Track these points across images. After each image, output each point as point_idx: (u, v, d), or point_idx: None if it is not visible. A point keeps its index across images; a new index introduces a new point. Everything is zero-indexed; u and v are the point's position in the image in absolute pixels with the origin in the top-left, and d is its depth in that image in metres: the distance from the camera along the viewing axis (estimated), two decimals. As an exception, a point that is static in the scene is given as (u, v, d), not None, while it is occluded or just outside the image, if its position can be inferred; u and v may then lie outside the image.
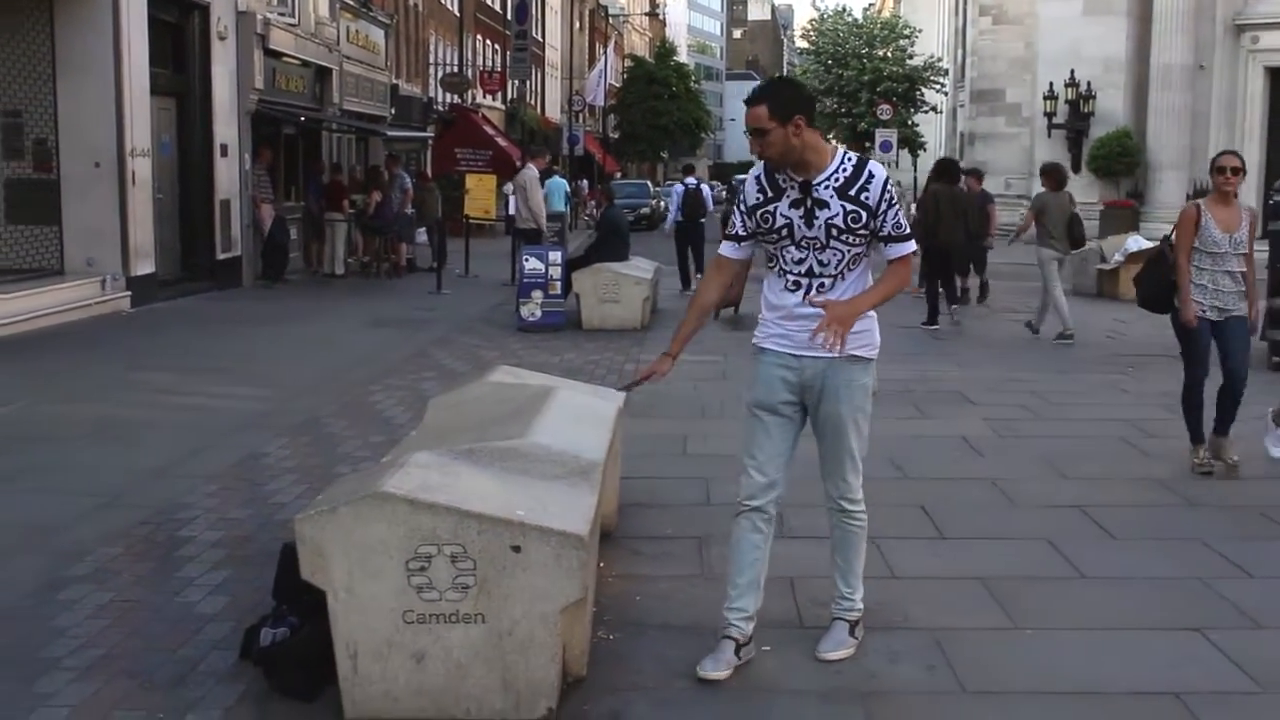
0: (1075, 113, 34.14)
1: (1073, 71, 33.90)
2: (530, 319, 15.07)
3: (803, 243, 4.53)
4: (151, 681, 4.54)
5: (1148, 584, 5.66)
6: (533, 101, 52.88)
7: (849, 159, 4.54)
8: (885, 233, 4.53)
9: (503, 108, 44.91)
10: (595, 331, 14.76)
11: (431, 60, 36.73)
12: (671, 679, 4.56)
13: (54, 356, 12.25)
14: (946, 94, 50.08)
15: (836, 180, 4.49)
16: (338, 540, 4.10)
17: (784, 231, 4.54)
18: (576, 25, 63.83)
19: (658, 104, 67.24)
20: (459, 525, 4.08)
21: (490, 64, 44.61)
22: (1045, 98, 34.63)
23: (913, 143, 50.31)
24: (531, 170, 18.89)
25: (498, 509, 4.14)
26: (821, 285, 4.53)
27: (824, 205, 4.48)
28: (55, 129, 15.54)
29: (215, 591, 5.49)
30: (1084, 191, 34.59)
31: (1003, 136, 38.38)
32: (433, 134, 33.43)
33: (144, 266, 16.27)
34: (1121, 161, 32.87)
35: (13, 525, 6.51)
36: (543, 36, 55.13)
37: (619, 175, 60.66)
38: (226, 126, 18.94)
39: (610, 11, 75.37)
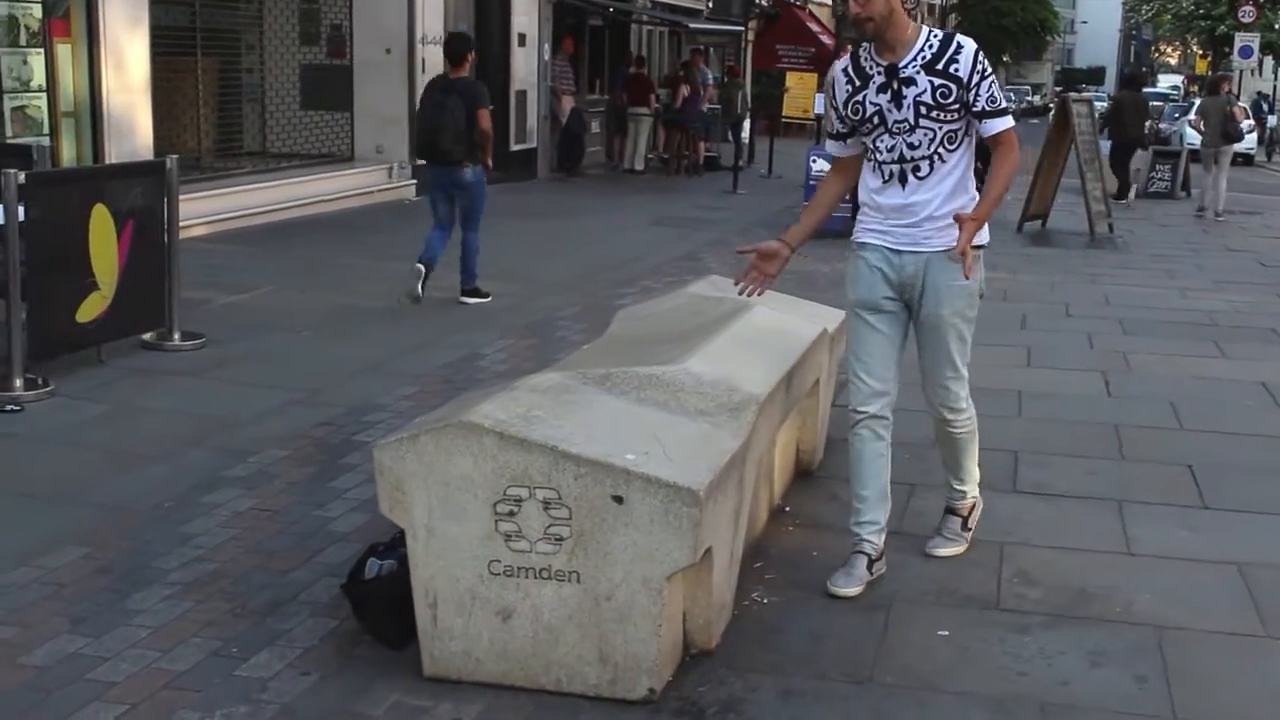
0: None
1: None
2: (814, 224, 14.20)
3: (894, 128, 4.25)
4: (245, 607, 4.13)
5: None
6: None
7: (935, 35, 4.26)
8: (979, 107, 4.21)
9: (830, 4, 43.44)
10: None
11: (756, -48, 35.64)
12: (815, 663, 3.83)
13: (324, 242, 12.26)
14: (1323, -5, 45.46)
15: (923, 57, 4.21)
16: (418, 473, 3.55)
17: (875, 119, 4.27)
18: (918, -81, 61.13)
19: (1001, 4, 63.92)
20: (554, 467, 3.45)
21: (820, -42, 43.11)
22: None
23: (1278, 49, 46.01)
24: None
25: (604, 450, 3.49)
26: (916, 169, 4.25)
27: (911, 83, 4.20)
28: (350, 15, 15.58)
29: (360, 508, 5.06)
30: None
31: (1383, 42, 34.53)
32: (751, 29, 32.53)
33: (432, 155, 16.20)
34: None
35: (199, 417, 6.31)
36: (880, -70, 53.02)
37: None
38: (525, 16, 18.67)
39: (956, -95, 71.88)
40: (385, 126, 15.67)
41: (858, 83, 4.28)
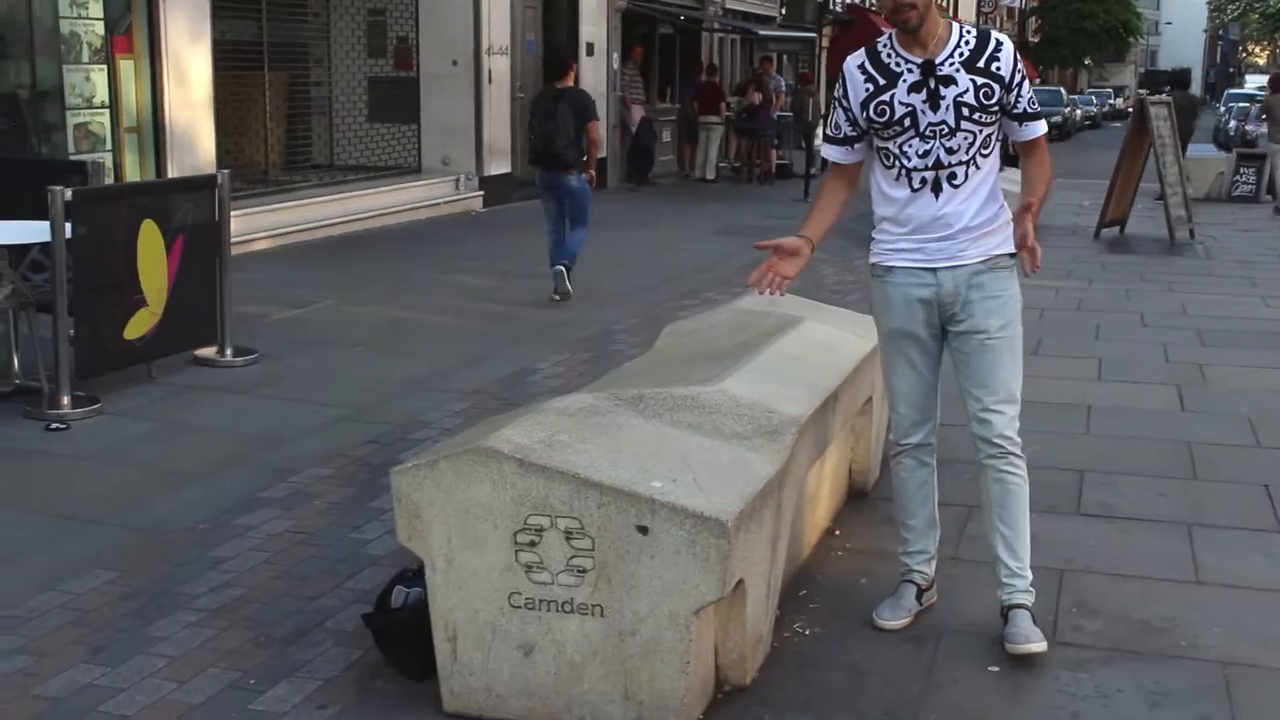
0: None
1: None
2: (884, 232, 13.97)
3: (928, 131, 3.84)
4: (268, 635, 4.01)
5: None
6: (943, 2, 50.52)
7: (969, 31, 3.92)
8: (1020, 108, 3.90)
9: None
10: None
11: (830, -42, 35.30)
12: (856, 700, 3.63)
13: (387, 255, 12.22)
14: None
15: (960, 54, 3.85)
16: (436, 501, 3.41)
17: (906, 122, 3.85)
18: (997, -79, 60.43)
19: (1082, 6, 63.03)
20: (575, 495, 3.29)
21: (897, -37, 42.65)
22: None
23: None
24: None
25: (629, 478, 3.32)
26: (952, 176, 3.86)
27: (950, 82, 3.82)
28: (416, 27, 15.57)
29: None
30: None
31: None
32: (824, 35, 32.25)
33: (498, 166, 16.17)
34: None
35: (243, 436, 6.22)
36: (958, -67, 52.42)
37: (1037, 81, 57.42)
38: (593, 25, 18.58)
39: (1037, -94, 70.93)
40: (452, 138, 15.64)
41: (881, 81, 3.87)
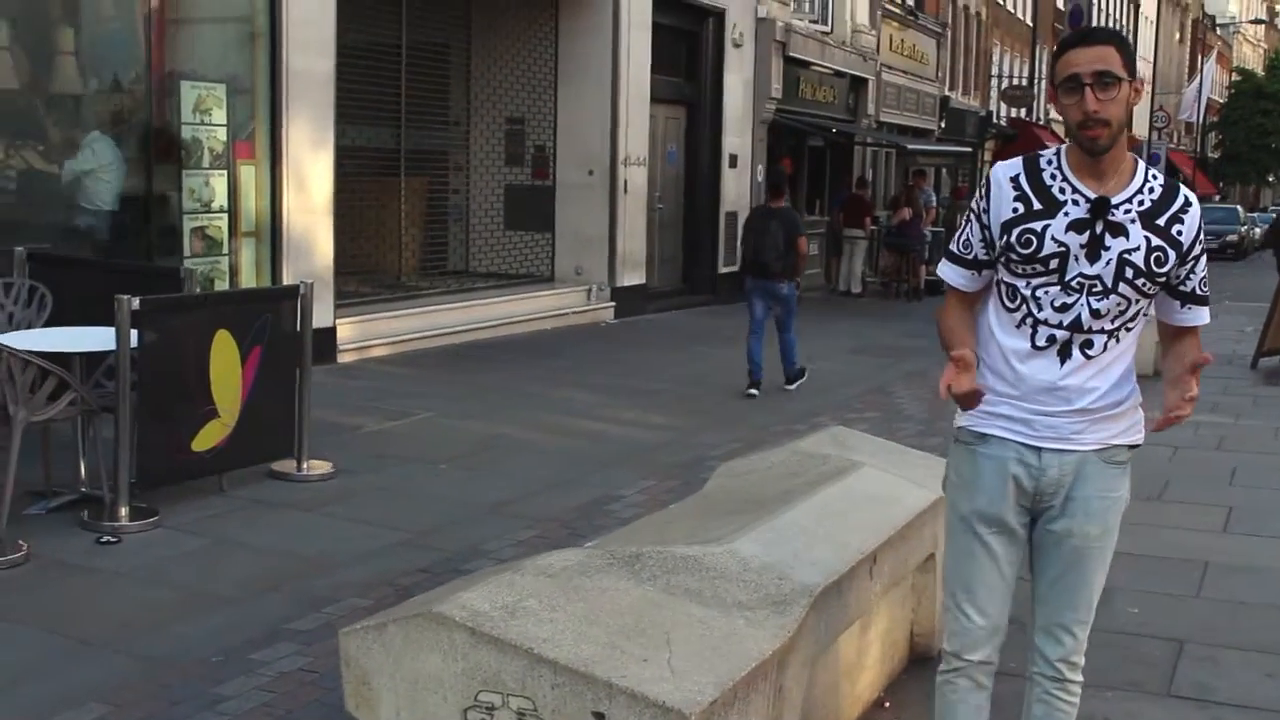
0: None
1: None
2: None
3: (1074, 283, 3.11)
4: (238, 795, 3.73)
5: None
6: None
7: (1155, 176, 3.15)
8: (1190, 287, 3.21)
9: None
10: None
11: (994, 72, 34.89)
12: None
13: (504, 366, 12.07)
14: None
15: (1141, 202, 3.12)
16: (385, 668, 3.10)
17: (1052, 263, 3.11)
18: (1176, 36, 59.31)
19: (1265, 121, 61.15)
20: (528, 672, 2.94)
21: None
22: None
23: None
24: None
25: (591, 655, 2.96)
26: (1088, 344, 3.15)
27: (1121, 233, 3.09)
28: (554, 136, 15.60)
29: (412, 674, 4.62)
30: None
31: None
32: (986, 149, 31.74)
33: (632, 278, 16.01)
34: None
35: (295, 557, 6.01)
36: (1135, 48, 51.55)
37: (1216, 198, 55.74)
38: (738, 136, 18.44)
39: (1218, 21, 69.42)
40: (586, 247, 15.57)
41: (1036, 205, 3.12)
